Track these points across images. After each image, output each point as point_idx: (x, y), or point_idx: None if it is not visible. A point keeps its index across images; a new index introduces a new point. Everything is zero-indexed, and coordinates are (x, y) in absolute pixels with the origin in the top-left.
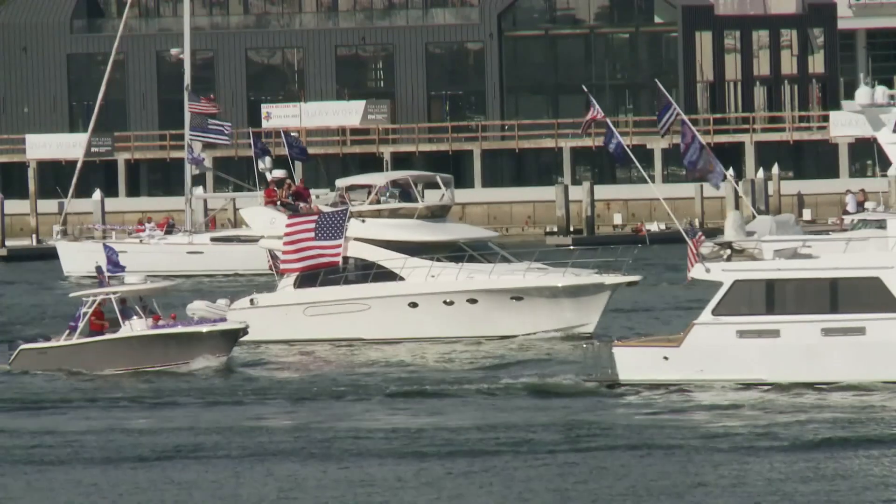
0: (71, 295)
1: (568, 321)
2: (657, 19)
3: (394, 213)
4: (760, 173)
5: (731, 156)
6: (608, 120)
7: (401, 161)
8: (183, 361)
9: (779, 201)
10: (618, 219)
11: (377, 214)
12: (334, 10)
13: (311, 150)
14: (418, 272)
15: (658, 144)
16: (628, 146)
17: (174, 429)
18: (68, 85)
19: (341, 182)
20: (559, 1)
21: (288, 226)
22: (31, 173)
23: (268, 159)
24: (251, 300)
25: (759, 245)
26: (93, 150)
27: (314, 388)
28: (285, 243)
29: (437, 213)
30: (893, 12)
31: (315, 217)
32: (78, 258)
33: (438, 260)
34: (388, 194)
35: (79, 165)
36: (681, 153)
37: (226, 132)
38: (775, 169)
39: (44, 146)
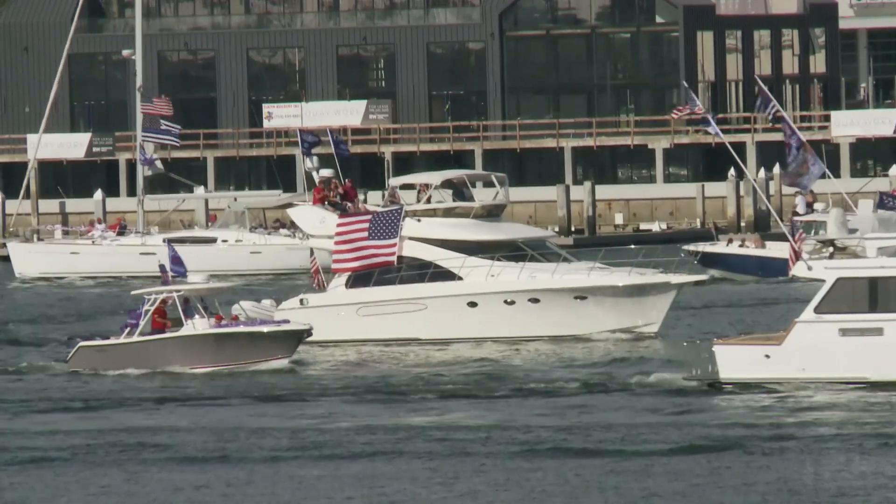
0: (133, 293)
1: (632, 321)
2: (658, 19)
3: (449, 213)
4: (762, 173)
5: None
6: (709, 116)
7: (402, 161)
8: (246, 362)
9: (780, 201)
10: (619, 219)
11: (431, 214)
12: (335, 10)
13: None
14: (477, 272)
15: (659, 144)
16: (628, 146)
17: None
18: (69, 85)
19: (394, 181)
20: (560, 1)
21: (339, 225)
22: (31, 173)
23: (315, 158)
24: (300, 300)
25: (861, 243)
26: (94, 149)
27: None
28: (337, 243)
29: (493, 213)
30: (894, 12)
31: (368, 216)
32: (29, 259)
33: (497, 259)
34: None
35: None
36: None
37: (175, 133)
38: (776, 169)
39: (44, 146)
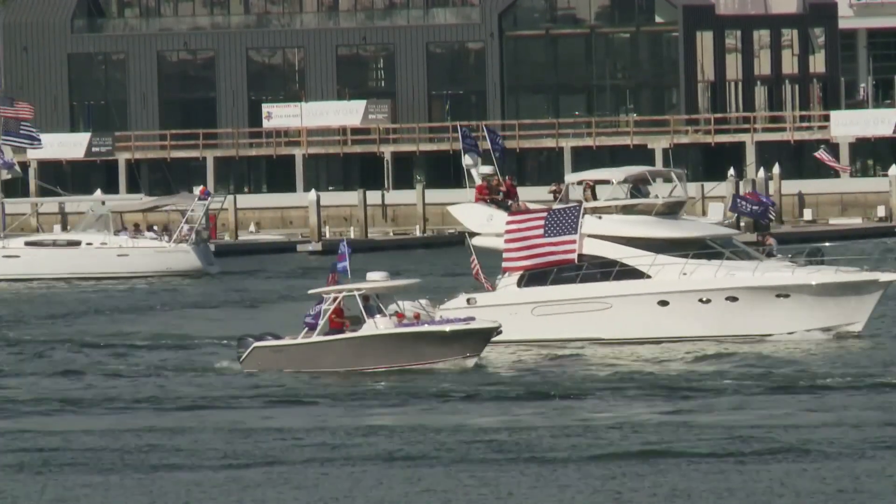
0: (310, 292)
1: (835, 319)
2: (658, 19)
3: (629, 210)
4: (761, 173)
5: (731, 156)
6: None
7: (402, 161)
8: (431, 361)
9: (779, 201)
10: None
11: (609, 210)
12: (335, 10)
13: (311, 150)
14: (667, 270)
15: (659, 144)
16: (628, 146)
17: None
18: (69, 84)
19: (572, 177)
20: (560, 1)
21: (510, 223)
22: (31, 173)
23: (475, 155)
24: (468, 300)
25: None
26: (93, 149)
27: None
28: (507, 241)
29: (673, 209)
30: (894, 12)
31: (542, 213)
32: None
33: (688, 257)
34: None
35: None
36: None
37: (36, 137)
38: (776, 169)
39: (44, 146)
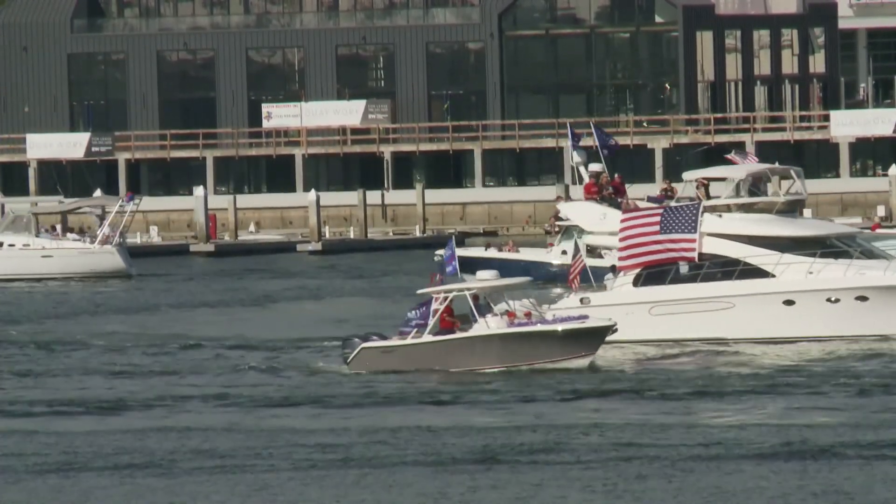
0: (419, 291)
1: None
2: (658, 19)
3: (749, 208)
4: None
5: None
6: None
7: (401, 161)
8: (544, 361)
9: None
10: None
11: (727, 209)
12: (335, 10)
13: (311, 150)
14: (793, 269)
15: (658, 144)
16: (628, 146)
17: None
18: (69, 84)
19: (690, 175)
20: (560, 1)
21: (624, 221)
22: (31, 173)
23: (583, 152)
24: (581, 299)
25: None
26: (93, 149)
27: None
28: (622, 239)
29: (793, 208)
30: (894, 12)
31: (658, 211)
32: None
33: (815, 256)
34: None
35: None
36: None
37: None
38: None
39: (44, 146)
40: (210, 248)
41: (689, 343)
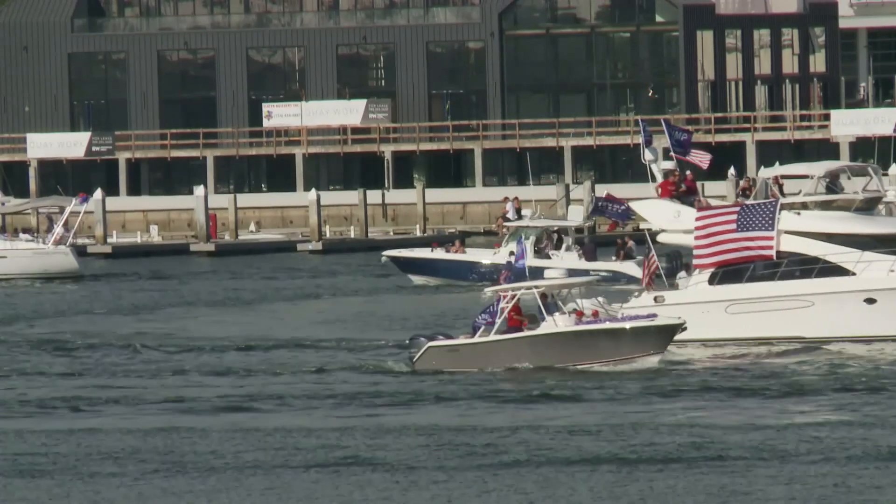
0: (487, 290)
1: None
2: (658, 18)
3: (827, 205)
4: (762, 172)
5: (732, 155)
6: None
7: (402, 160)
8: (612, 359)
9: None
10: None
11: (804, 206)
12: (335, 9)
13: (311, 150)
14: (874, 266)
15: (659, 144)
16: (628, 146)
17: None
18: (69, 84)
19: (767, 172)
20: (560, 0)
21: (700, 219)
22: (31, 172)
23: (655, 150)
24: (655, 298)
25: None
26: (94, 149)
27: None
28: (697, 237)
29: (871, 205)
30: (894, 12)
31: (735, 209)
32: None
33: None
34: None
35: None
36: None
37: None
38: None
39: (45, 145)
40: (210, 247)
41: (767, 341)
